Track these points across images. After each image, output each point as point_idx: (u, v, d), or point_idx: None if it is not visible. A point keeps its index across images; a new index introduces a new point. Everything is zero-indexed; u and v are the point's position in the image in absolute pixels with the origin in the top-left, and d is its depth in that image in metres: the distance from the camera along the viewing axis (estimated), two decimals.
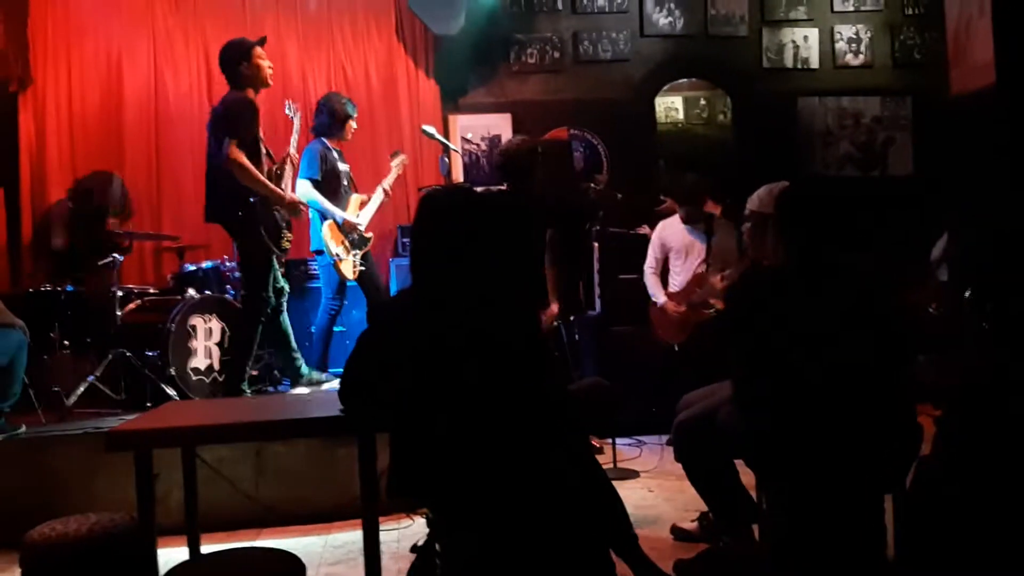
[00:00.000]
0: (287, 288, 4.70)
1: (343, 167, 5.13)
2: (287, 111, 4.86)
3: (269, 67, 4.54)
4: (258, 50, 4.47)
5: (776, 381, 2.46)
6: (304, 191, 4.88)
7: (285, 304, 4.70)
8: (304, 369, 4.77)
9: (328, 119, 5.06)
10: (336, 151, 5.12)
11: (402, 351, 2.25)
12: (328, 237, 4.91)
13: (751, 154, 6.52)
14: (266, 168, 4.47)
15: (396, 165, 5.33)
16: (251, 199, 4.32)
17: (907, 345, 2.65)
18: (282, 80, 5.90)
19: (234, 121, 4.30)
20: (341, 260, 4.92)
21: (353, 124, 5.14)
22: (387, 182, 5.24)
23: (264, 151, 4.48)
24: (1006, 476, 2.44)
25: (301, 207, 4.62)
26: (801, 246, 2.59)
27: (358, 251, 5.04)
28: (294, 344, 4.78)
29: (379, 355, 2.30)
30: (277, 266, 4.58)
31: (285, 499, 3.96)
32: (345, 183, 5.11)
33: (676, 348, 5.05)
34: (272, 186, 4.40)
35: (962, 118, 6.13)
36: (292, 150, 4.69)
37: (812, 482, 2.45)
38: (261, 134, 4.48)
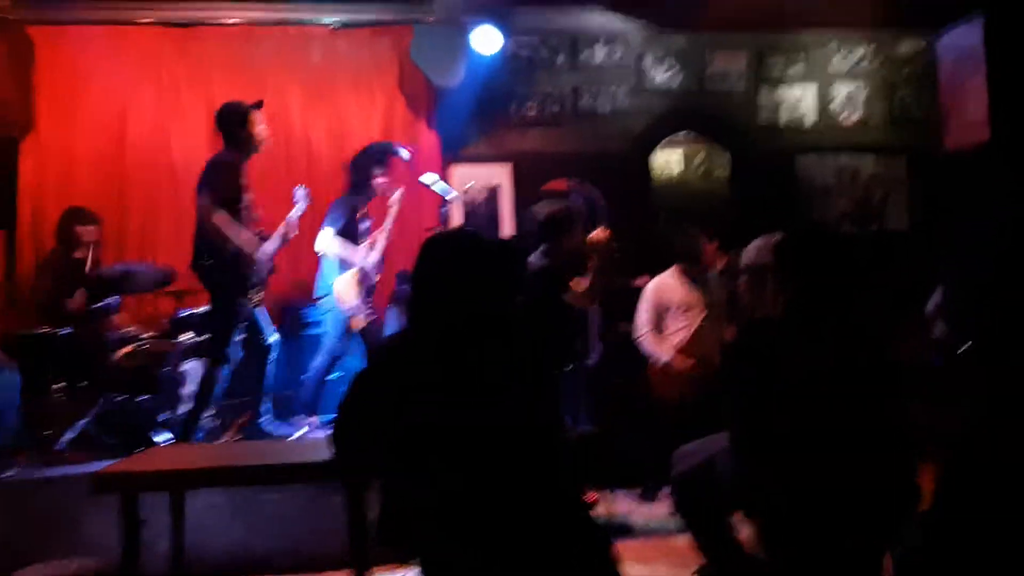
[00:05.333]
0: (275, 341, 4.70)
1: (363, 225, 5.27)
2: (297, 195, 4.96)
3: (263, 131, 4.66)
4: (255, 114, 4.61)
5: (773, 434, 2.44)
6: (326, 241, 5.03)
7: (273, 358, 4.71)
8: (265, 427, 4.74)
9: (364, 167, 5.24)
10: (364, 210, 5.28)
11: (395, 393, 2.22)
12: (346, 290, 4.98)
13: (749, 209, 6.55)
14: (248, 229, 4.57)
15: (394, 202, 5.39)
16: (220, 253, 4.41)
17: (906, 397, 2.63)
18: (285, 130, 5.97)
19: (212, 180, 4.46)
20: (355, 314, 5.00)
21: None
22: (387, 223, 5.31)
23: (245, 213, 4.57)
24: (1004, 532, 2.41)
25: (263, 261, 4.60)
26: (800, 294, 2.58)
27: (369, 299, 5.12)
28: (265, 400, 4.77)
29: (372, 397, 2.28)
30: (262, 322, 4.67)
31: (277, 547, 3.89)
32: (362, 240, 5.26)
33: (686, 407, 4.93)
34: (246, 239, 4.45)
35: (957, 174, 6.18)
36: (289, 223, 4.80)
37: (811, 534, 2.41)
38: (247, 197, 4.58)
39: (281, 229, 4.74)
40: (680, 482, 3.12)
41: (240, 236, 4.42)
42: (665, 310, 5.19)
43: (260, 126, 4.61)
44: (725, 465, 2.78)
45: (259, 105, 4.67)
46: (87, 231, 5.29)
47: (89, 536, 3.68)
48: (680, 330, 5.16)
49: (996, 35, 5.75)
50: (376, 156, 5.29)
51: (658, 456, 4.15)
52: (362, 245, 5.24)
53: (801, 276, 2.58)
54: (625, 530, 4.47)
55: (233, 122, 4.57)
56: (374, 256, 5.24)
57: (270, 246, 4.65)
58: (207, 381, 4.60)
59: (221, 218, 4.37)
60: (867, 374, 2.46)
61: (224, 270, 4.43)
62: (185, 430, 4.53)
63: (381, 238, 5.30)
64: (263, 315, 4.72)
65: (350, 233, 5.16)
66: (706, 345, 4.97)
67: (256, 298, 4.50)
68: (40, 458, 4.30)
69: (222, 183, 4.45)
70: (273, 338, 4.73)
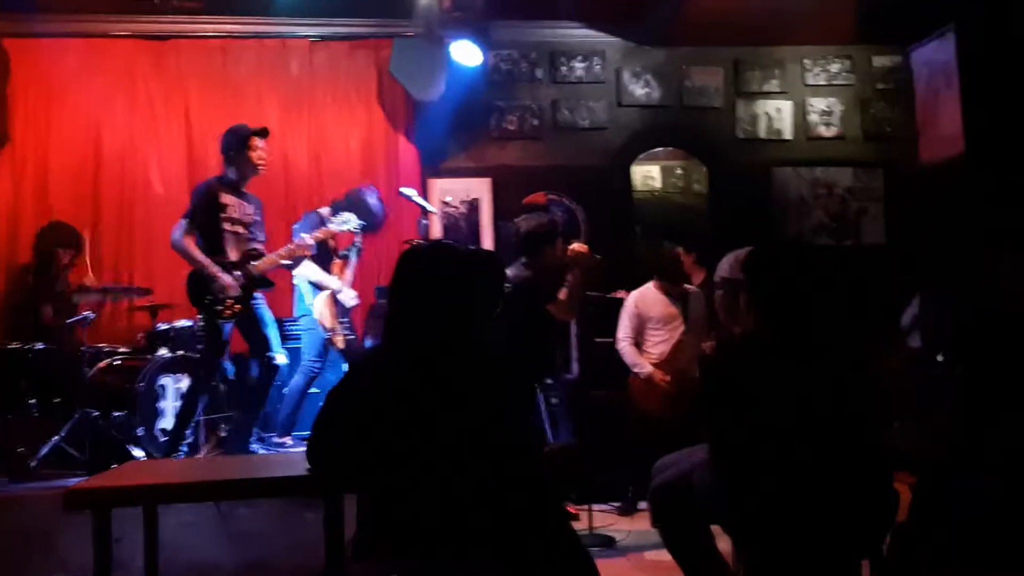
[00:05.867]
0: (280, 362, 4.69)
1: (331, 243, 5.29)
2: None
3: (261, 156, 4.70)
4: (255, 140, 4.66)
5: (751, 447, 2.44)
6: (304, 268, 5.09)
7: (275, 378, 4.74)
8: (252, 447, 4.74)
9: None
10: None
11: (372, 407, 2.21)
12: (323, 311, 4.98)
13: (727, 222, 6.59)
14: (236, 249, 4.64)
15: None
16: (192, 270, 4.53)
17: (882, 410, 2.64)
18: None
19: (191, 203, 4.62)
20: (336, 333, 4.99)
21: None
22: (357, 239, 5.31)
23: (236, 232, 4.63)
24: (982, 540, 2.42)
25: (228, 290, 4.56)
26: (770, 309, 2.58)
27: (346, 319, 5.11)
28: (256, 421, 4.75)
29: (349, 411, 2.26)
30: (272, 340, 4.68)
31: (251, 563, 3.85)
32: (332, 258, 5.29)
33: (666, 419, 4.95)
34: (207, 263, 4.50)
35: (932, 188, 6.25)
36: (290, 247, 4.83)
37: (789, 547, 2.41)
38: (237, 215, 4.64)
39: (288, 248, 4.77)
40: (658, 494, 3.12)
41: (198, 257, 4.50)
42: (645, 322, 5.22)
43: (258, 151, 4.66)
44: (703, 478, 2.78)
45: (264, 132, 4.73)
46: (67, 253, 5.29)
47: (63, 553, 3.62)
48: (660, 343, 5.19)
49: (969, 49, 5.83)
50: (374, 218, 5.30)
51: (638, 469, 4.16)
52: (334, 267, 5.25)
53: (770, 291, 2.58)
54: (606, 543, 4.47)
55: (232, 144, 4.65)
56: (347, 278, 5.24)
57: (263, 264, 4.66)
58: (189, 396, 4.58)
59: (185, 240, 4.49)
60: (842, 387, 2.46)
61: (193, 285, 4.52)
62: (169, 444, 4.50)
63: (352, 255, 5.29)
64: (274, 333, 4.72)
65: (321, 253, 5.15)
66: (686, 359, 4.99)
67: (229, 311, 4.49)
68: (13, 474, 4.24)
69: (195, 207, 4.56)
70: (280, 360, 4.72)
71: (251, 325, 4.63)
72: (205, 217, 4.54)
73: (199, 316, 4.66)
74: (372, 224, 5.23)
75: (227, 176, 4.68)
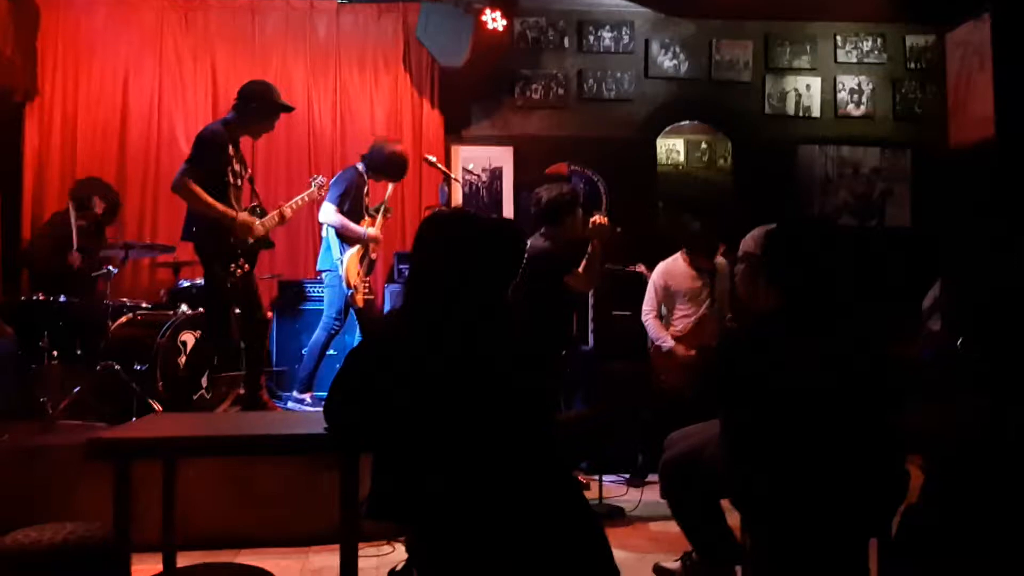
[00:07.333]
0: (262, 316, 4.70)
1: (365, 201, 5.27)
2: (312, 182, 4.97)
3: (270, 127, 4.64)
4: (280, 112, 4.58)
5: (764, 424, 2.45)
6: (328, 214, 5.03)
7: (266, 333, 4.72)
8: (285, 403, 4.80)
9: (376, 165, 5.17)
10: (366, 186, 5.25)
11: (392, 369, 2.23)
12: (350, 268, 4.99)
13: (750, 199, 6.56)
14: (237, 203, 4.48)
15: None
16: (203, 224, 4.34)
17: (897, 392, 2.64)
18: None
19: (199, 149, 4.35)
20: (357, 291, 5.01)
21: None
22: (386, 199, 5.32)
23: (235, 184, 4.47)
24: (995, 526, 2.42)
25: (253, 228, 4.49)
26: (790, 287, 2.57)
27: (367, 278, 5.13)
28: (259, 378, 4.72)
29: (368, 372, 2.28)
30: (252, 297, 4.57)
31: (266, 521, 3.91)
32: (363, 215, 5.25)
33: (685, 393, 4.96)
34: (221, 206, 4.33)
35: (960, 171, 6.17)
36: (291, 204, 4.79)
37: (797, 523, 2.42)
38: (237, 167, 4.49)
39: (284, 210, 4.70)
40: (669, 467, 3.14)
41: (213, 203, 4.30)
42: (671, 295, 5.19)
43: (271, 124, 4.60)
44: (715, 452, 2.79)
45: (288, 109, 4.68)
46: (101, 204, 5.34)
47: (83, 502, 3.69)
48: (684, 317, 5.17)
49: (1004, 32, 5.73)
50: (392, 170, 5.26)
51: (649, 440, 4.19)
52: (363, 224, 5.24)
53: (790, 269, 2.57)
54: (615, 513, 4.50)
55: (259, 106, 4.47)
56: (374, 230, 5.24)
57: (268, 222, 4.60)
58: (198, 352, 4.62)
59: (195, 186, 4.26)
60: (856, 367, 2.46)
61: (208, 238, 4.36)
62: (178, 399, 4.55)
63: (379, 217, 5.30)
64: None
65: (354, 207, 5.15)
66: (708, 333, 4.99)
67: (241, 270, 4.45)
68: (36, 424, 4.32)
69: (202, 153, 4.33)
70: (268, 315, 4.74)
71: (248, 285, 4.53)
72: (212, 166, 4.33)
73: (205, 270, 4.46)
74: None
75: (234, 126, 4.47)
